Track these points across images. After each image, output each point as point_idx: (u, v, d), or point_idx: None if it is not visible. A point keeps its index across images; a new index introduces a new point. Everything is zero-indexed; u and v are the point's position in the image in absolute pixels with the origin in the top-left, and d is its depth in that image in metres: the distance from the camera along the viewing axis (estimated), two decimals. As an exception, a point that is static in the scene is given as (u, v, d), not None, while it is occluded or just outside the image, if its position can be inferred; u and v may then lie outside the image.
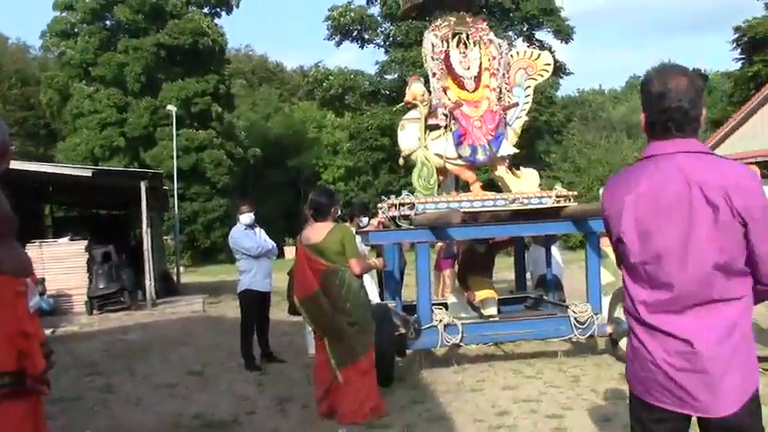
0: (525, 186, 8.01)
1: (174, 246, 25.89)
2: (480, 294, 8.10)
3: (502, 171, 8.04)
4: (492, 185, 8.63)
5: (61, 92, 36.05)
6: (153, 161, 33.03)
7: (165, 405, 6.57)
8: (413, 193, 7.61)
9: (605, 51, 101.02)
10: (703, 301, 2.38)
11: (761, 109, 25.65)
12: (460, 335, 7.21)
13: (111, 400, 6.89)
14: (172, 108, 27.34)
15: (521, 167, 8.38)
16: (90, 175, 14.44)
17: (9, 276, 2.67)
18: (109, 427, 5.98)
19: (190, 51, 35.17)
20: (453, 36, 8.00)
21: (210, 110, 35.72)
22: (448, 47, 7.96)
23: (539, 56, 8.47)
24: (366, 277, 6.78)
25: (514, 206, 7.73)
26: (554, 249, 9.21)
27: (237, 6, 39.04)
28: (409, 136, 7.78)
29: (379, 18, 37.54)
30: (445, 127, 7.74)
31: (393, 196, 7.73)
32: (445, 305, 8.28)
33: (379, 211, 7.98)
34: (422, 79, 8.05)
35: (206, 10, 37.86)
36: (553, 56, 10.12)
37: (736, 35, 33.45)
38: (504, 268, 11.96)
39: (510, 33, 35.80)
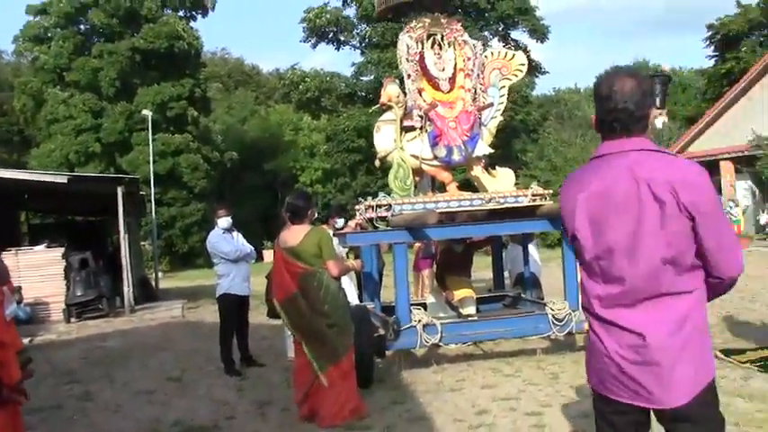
0: (501, 186, 8.05)
1: (152, 251, 25.73)
2: (459, 294, 8.13)
3: (478, 171, 8.09)
4: (468, 185, 8.67)
5: (35, 97, 35.67)
6: (129, 166, 32.76)
7: (145, 411, 6.55)
8: (389, 195, 7.65)
9: (581, 50, 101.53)
10: (653, 295, 2.45)
11: (734, 106, 26.03)
12: (440, 335, 7.25)
13: (91, 407, 6.85)
14: (147, 113, 27.13)
15: (496, 167, 8.42)
16: (66, 181, 14.29)
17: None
18: (88, 435, 5.95)
19: (165, 55, 34.97)
20: (428, 37, 8.02)
21: (186, 114, 35.55)
22: (423, 48, 7.99)
23: (513, 56, 8.50)
24: (345, 279, 6.79)
25: (491, 206, 7.76)
26: (532, 248, 9.26)
27: (213, 9, 38.91)
28: (385, 137, 7.80)
29: (354, 20, 37.46)
30: (420, 128, 7.76)
31: (370, 198, 7.76)
32: (424, 305, 8.29)
33: (357, 213, 8.00)
34: (397, 81, 8.06)
35: (181, 13, 37.70)
36: (528, 55, 10.20)
37: (710, 33, 33.90)
38: (482, 267, 12.01)
39: (485, 33, 35.95)
